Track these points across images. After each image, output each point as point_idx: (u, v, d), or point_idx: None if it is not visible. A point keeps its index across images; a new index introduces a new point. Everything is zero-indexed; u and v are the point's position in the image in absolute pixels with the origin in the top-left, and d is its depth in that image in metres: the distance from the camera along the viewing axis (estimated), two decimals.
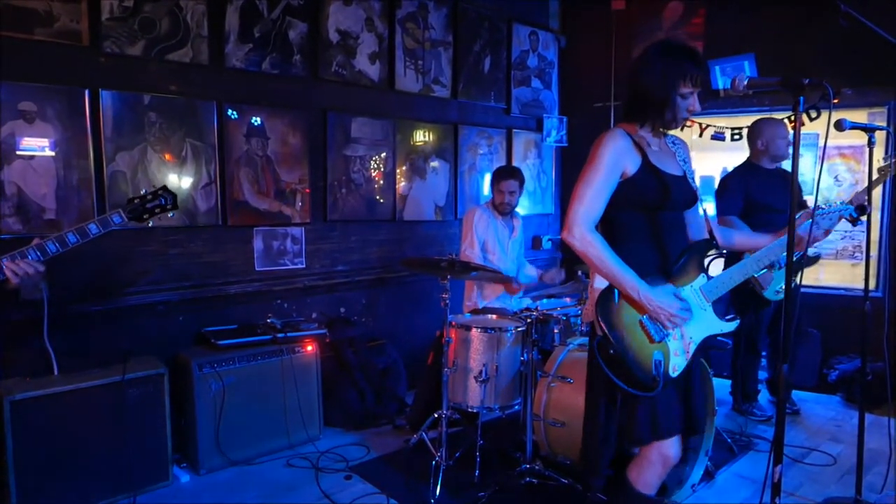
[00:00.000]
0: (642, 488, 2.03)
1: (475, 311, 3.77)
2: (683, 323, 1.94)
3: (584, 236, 1.90)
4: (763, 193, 3.72)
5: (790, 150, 3.83)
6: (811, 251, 3.86)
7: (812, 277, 4.68)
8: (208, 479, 3.17)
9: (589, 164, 1.95)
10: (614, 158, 1.93)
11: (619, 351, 1.89)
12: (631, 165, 1.95)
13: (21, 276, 1.89)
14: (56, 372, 2.93)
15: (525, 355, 3.16)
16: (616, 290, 1.94)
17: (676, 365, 1.96)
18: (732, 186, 3.86)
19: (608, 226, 2.04)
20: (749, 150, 3.97)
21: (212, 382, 3.21)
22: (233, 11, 3.57)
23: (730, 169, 4.20)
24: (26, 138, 2.96)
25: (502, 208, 3.88)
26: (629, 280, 1.89)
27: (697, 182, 2.19)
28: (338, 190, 4.17)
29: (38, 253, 1.94)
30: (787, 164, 4.17)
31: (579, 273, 3.46)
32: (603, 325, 1.91)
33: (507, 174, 3.88)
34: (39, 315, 2.86)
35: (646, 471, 2.02)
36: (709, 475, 3.12)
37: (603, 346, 1.92)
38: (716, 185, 4.11)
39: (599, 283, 1.98)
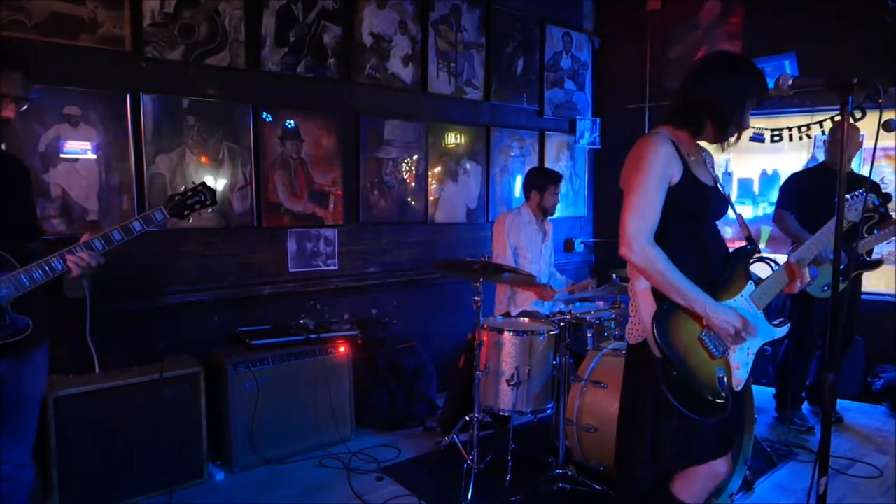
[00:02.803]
0: (687, 500, 1.97)
1: (507, 315, 3.75)
2: (748, 339, 1.88)
3: (646, 250, 1.80)
4: (828, 196, 3.64)
5: (858, 152, 3.79)
6: (874, 255, 3.77)
7: None
8: (242, 478, 3.21)
9: (637, 172, 1.85)
10: (663, 164, 1.84)
11: (683, 372, 1.82)
12: (676, 173, 1.87)
13: (83, 266, 1.95)
14: (97, 369, 3.00)
15: (558, 359, 3.13)
16: (670, 309, 1.85)
17: (740, 378, 1.91)
18: (795, 184, 3.88)
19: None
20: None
21: (246, 382, 3.25)
22: (269, 16, 3.63)
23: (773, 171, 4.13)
24: (70, 142, 3.05)
25: (552, 211, 3.91)
26: (696, 296, 1.81)
27: (733, 187, 2.14)
28: (370, 192, 4.20)
29: (90, 247, 1.99)
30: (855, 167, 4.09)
31: (614, 277, 3.41)
32: (663, 347, 1.82)
33: (560, 177, 3.91)
34: (82, 313, 2.94)
35: (693, 484, 1.96)
36: (747, 485, 3.04)
37: (665, 369, 1.84)
38: (755, 188, 4.03)
39: (641, 286, 1.93)
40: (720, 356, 1.89)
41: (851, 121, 3.98)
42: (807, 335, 3.84)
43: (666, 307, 1.86)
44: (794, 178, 3.95)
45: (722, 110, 1.86)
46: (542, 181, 3.87)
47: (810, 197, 3.71)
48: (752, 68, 1.88)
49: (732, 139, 1.94)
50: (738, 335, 1.85)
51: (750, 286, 1.97)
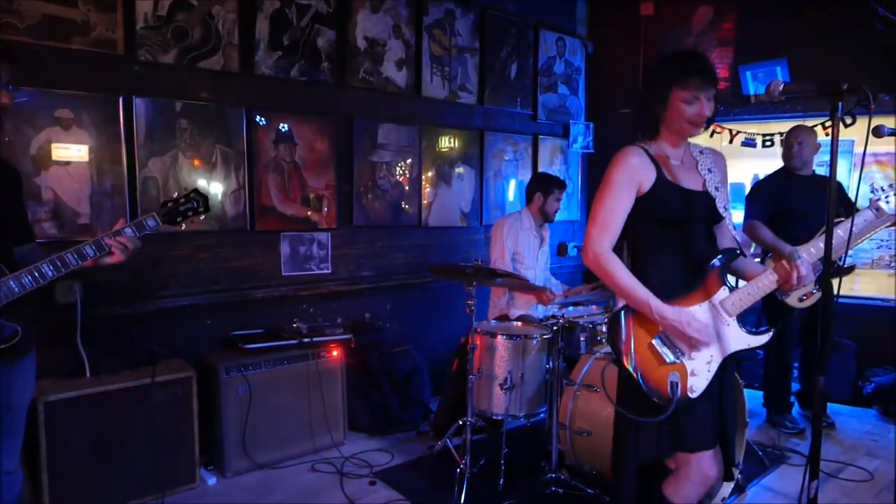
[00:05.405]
0: (679, 501, 1.99)
1: (501, 318, 3.75)
2: (702, 343, 1.88)
3: (597, 258, 1.91)
4: (801, 201, 3.65)
5: (812, 158, 3.80)
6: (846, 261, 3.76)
7: (847, 287, 4.56)
8: (234, 482, 3.20)
9: (602, 184, 1.96)
10: (626, 176, 1.92)
11: (630, 373, 1.89)
12: (645, 182, 1.93)
13: (121, 249, 2.00)
14: (88, 374, 2.99)
15: (551, 363, 3.13)
16: (627, 312, 1.93)
17: (695, 385, 1.90)
18: (763, 191, 3.83)
19: (632, 242, 2.02)
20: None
21: (238, 386, 3.24)
22: (263, 20, 3.62)
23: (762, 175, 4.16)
24: (62, 145, 3.03)
25: (553, 217, 3.92)
26: (641, 296, 1.87)
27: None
28: (364, 196, 4.20)
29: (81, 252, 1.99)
30: (823, 171, 4.10)
31: None
32: (613, 347, 1.92)
33: (565, 184, 3.93)
34: (73, 317, 2.93)
35: (684, 488, 1.98)
36: (739, 489, 3.05)
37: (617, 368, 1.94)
38: (746, 192, 4.05)
39: (623, 303, 1.98)
40: (672, 362, 1.90)
41: (810, 124, 4.04)
42: (785, 348, 3.83)
43: (623, 310, 1.94)
44: (762, 184, 3.90)
45: (655, 109, 1.94)
46: (547, 184, 3.88)
47: (780, 201, 3.69)
48: (674, 60, 1.93)
49: (691, 129, 1.94)
50: (691, 339, 1.86)
51: (723, 291, 1.94)
